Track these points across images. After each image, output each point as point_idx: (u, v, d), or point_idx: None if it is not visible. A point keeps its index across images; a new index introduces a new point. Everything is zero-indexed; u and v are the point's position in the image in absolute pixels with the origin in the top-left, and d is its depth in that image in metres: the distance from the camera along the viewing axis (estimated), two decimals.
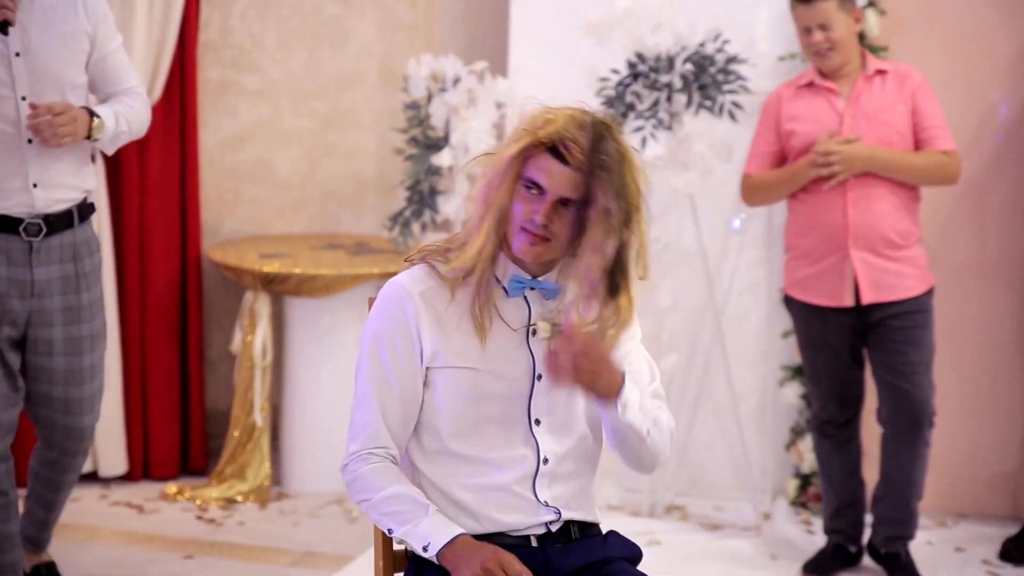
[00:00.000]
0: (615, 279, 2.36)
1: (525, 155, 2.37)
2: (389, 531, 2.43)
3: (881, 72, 4.10)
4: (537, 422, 2.45)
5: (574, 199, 2.35)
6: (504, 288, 2.44)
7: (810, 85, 4.13)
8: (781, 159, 4.17)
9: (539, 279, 2.44)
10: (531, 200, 2.37)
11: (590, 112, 2.38)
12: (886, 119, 4.04)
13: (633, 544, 2.54)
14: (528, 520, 2.45)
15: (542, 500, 2.45)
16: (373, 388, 2.43)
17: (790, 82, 4.23)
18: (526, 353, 2.45)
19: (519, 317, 2.45)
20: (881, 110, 4.05)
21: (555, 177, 2.35)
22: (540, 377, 2.44)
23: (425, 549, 2.36)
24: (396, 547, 2.59)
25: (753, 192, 4.21)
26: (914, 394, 4.04)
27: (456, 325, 2.41)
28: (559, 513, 2.46)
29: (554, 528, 2.47)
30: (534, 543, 2.46)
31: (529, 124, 2.38)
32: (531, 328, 2.45)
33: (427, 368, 2.43)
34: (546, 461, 2.45)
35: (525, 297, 2.45)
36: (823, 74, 4.12)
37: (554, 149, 2.35)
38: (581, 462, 2.51)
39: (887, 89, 4.08)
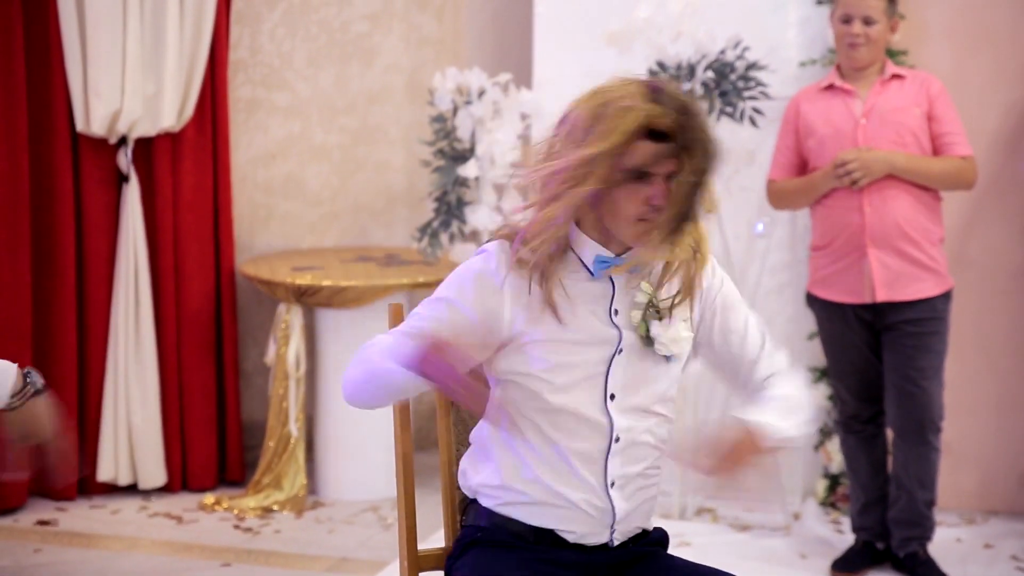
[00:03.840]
0: (690, 220, 2.34)
1: (618, 152, 2.30)
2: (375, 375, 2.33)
3: (899, 76, 4.16)
4: (612, 396, 2.41)
5: (677, 171, 2.31)
6: (588, 269, 2.40)
7: (830, 87, 4.19)
8: (802, 162, 4.23)
9: (621, 256, 2.39)
10: (640, 189, 2.32)
11: (648, 80, 2.34)
12: (900, 120, 4.09)
13: (661, 529, 2.55)
14: (593, 500, 2.41)
15: (610, 480, 2.40)
16: (441, 309, 2.38)
17: (809, 86, 4.29)
18: (610, 327, 2.40)
19: (603, 295, 2.41)
20: (896, 111, 4.10)
21: (659, 159, 2.29)
22: (621, 351, 2.40)
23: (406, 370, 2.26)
24: (420, 547, 2.64)
25: (777, 198, 4.29)
26: (920, 398, 4.09)
27: (539, 305, 2.38)
28: (614, 516, 2.42)
29: (616, 542, 2.45)
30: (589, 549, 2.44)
31: (603, 119, 2.30)
32: (614, 309, 2.40)
33: (511, 340, 2.39)
34: (617, 439, 2.40)
35: (610, 276, 2.41)
36: (843, 75, 4.18)
37: (649, 133, 2.29)
38: (651, 453, 2.45)
39: (904, 92, 4.13)
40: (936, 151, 4.12)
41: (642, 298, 2.40)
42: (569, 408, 2.39)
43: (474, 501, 2.51)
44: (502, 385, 2.44)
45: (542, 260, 2.36)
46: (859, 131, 4.11)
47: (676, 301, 2.42)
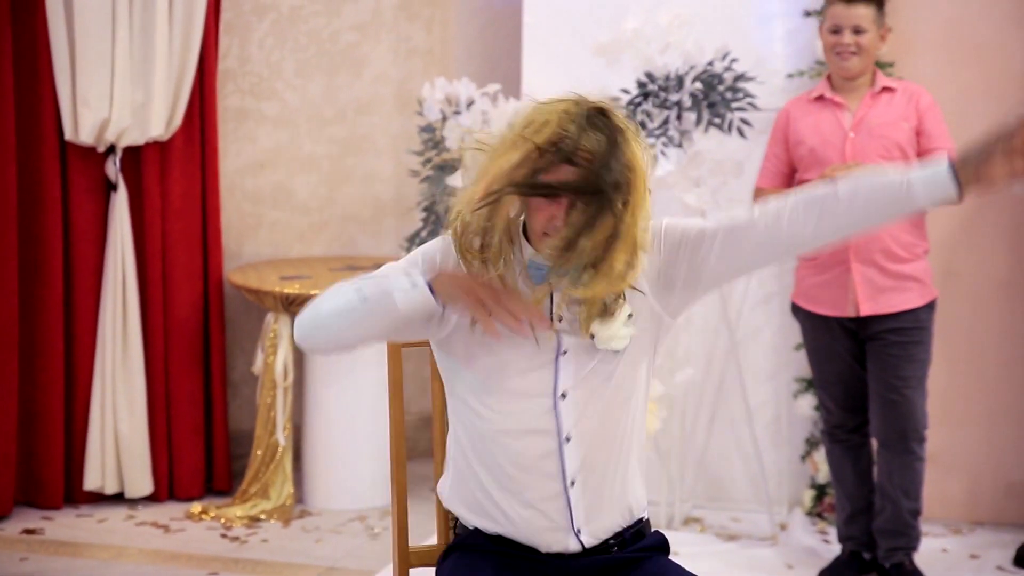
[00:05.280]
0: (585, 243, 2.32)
1: (529, 163, 2.31)
2: (361, 295, 2.35)
3: (889, 89, 4.17)
4: (563, 395, 2.41)
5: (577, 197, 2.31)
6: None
7: (820, 98, 4.21)
8: (790, 171, 4.25)
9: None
10: (546, 205, 2.33)
11: (583, 102, 2.34)
12: (888, 134, 4.11)
13: (660, 534, 2.55)
14: (556, 510, 2.42)
15: (569, 479, 2.39)
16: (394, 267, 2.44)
17: (800, 96, 4.31)
18: (551, 333, 2.40)
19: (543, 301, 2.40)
20: (885, 125, 4.12)
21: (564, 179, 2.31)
22: (565, 352, 2.41)
23: (415, 285, 2.32)
24: (412, 544, 2.66)
25: None
26: (903, 407, 4.11)
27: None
28: (579, 532, 2.43)
29: (588, 543, 2.44)
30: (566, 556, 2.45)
31: (526, 129, 2.33)
32: (557, 316, 2.40)
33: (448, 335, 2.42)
34: (568, 439, 2.40)
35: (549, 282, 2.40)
36: (833, 87, 4.19)
37: (558, 151, 2.29)
38: (613, 447, 2.44)
39: (893, 106, 4.15)
40: None
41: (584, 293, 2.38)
42: (515, 410, 2.40)
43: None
44: (454, 394, 2.47)
45: (486, 257, 2.38)
46: (847, 144, 4.12)
47: (609, 302, 2.39)
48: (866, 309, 4.10)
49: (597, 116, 2.32)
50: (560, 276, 2.34)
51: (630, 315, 2.40)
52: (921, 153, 4.13)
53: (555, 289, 2.39)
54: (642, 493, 2.52)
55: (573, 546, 2.44)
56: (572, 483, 2.41)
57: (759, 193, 4.28)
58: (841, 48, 4.11)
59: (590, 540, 2.45)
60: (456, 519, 2.55)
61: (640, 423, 2.49)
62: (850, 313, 4.13)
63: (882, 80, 4.19)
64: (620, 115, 2.36)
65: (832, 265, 4.13)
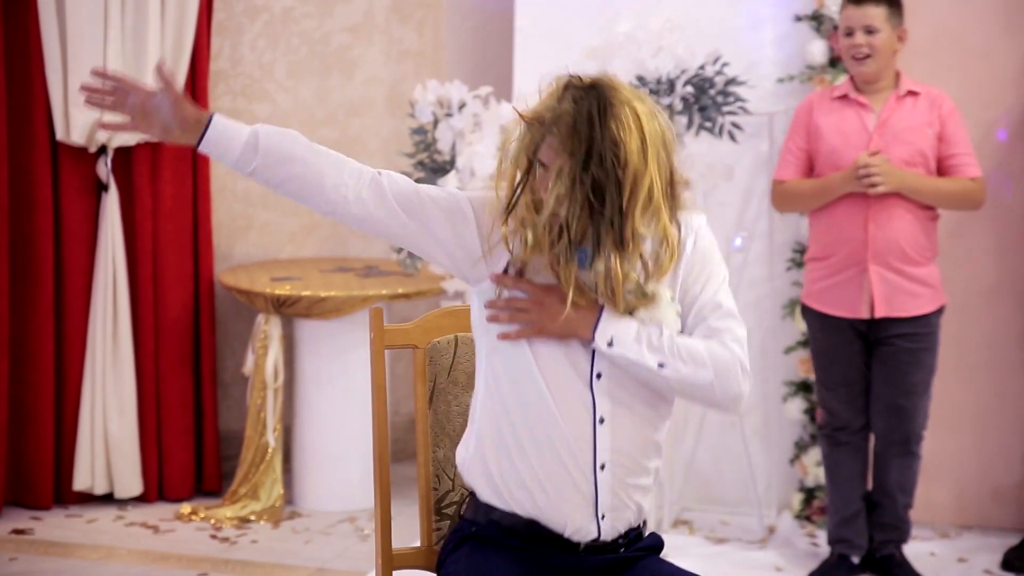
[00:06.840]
0: (611, 227, 2.31)
1: (528, 141, 2.34)
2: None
3: (913, 93, 4.17)
4: (599, 376, 2.40)
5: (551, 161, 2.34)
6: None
7: (844, 97, 4.20)
8: (811, 164, 4.24)
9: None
10: (542, 180, 2.35)
11: (578, 78, 2.35)
12: (911, 139, 4.11)
13: (656, 534, 2.56)
14: (579, 483, 2.42)
15: (600, 462, 2.40)
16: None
17: (823, 91, 4.30)
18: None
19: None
20: (909, 130, 4.12)
21: (541, 148, 2.34)
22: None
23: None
24: (399, 546, 2.67)
25: (784, 199, 4.27)
26: (910, 413, 4.14)
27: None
28: (603, 518, 2.43)
29: (605, 535, 2.45)
30: (580, 548, 2.45)
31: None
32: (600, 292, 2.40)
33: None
34: (602, 421, 2.40)
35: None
36: (857, 88, 4.19)
37: (541, 124, 2.33)
38: (642, 439, 2.45)
39: (917, 110, 4.15)
40: (944, 171, 4.13)
41: (629, 284, 2.37)
42: (553, 383, 2.39)
43: (473, 494, 2.51)
44: (489, 358, 2.44)
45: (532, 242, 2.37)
46: (870, 145, 4.12)
47: (650, 288, 2.39)
48: (881, 311, 4.11)
49: (584, 88, 2.33)
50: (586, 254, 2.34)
51: (672, 297, 2.42)
52: (941, 159, 4.13)
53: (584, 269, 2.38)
54: (654, 494, 2.54)
55: (593, 532, 2.44)
56: (602, 467, 2.41)
57: (778, 186, 4.25)
58: (854, 50, 4.10)
59: (609, 531, 2.45)
60: (466, 500, 2.54)
61: (667, 424, 2.49)
62: (864, 315, 4.13)
63: (907, 83, 4.18)
64: (620, 87, 2.34)
65: (848, 266, 4.13)
